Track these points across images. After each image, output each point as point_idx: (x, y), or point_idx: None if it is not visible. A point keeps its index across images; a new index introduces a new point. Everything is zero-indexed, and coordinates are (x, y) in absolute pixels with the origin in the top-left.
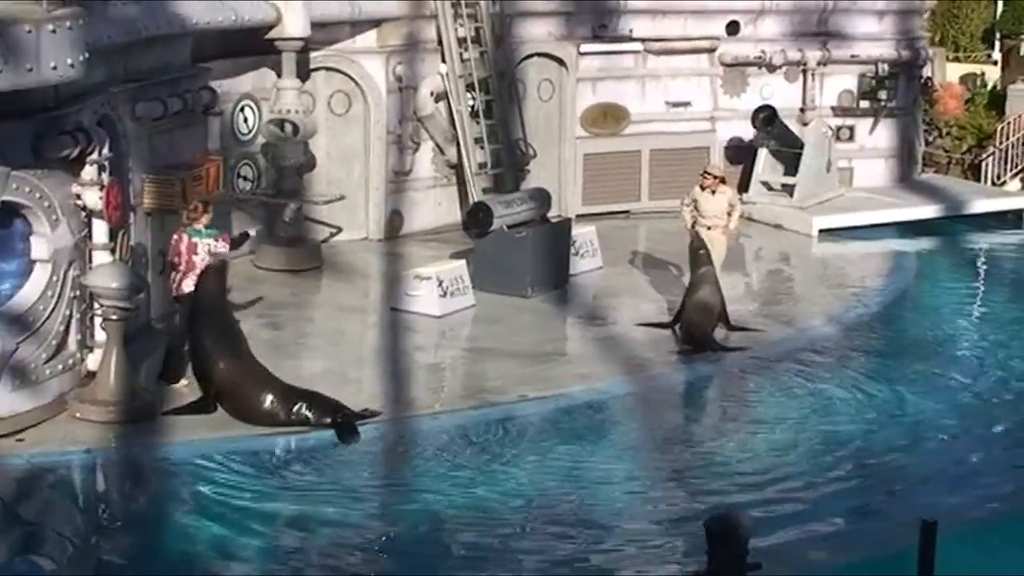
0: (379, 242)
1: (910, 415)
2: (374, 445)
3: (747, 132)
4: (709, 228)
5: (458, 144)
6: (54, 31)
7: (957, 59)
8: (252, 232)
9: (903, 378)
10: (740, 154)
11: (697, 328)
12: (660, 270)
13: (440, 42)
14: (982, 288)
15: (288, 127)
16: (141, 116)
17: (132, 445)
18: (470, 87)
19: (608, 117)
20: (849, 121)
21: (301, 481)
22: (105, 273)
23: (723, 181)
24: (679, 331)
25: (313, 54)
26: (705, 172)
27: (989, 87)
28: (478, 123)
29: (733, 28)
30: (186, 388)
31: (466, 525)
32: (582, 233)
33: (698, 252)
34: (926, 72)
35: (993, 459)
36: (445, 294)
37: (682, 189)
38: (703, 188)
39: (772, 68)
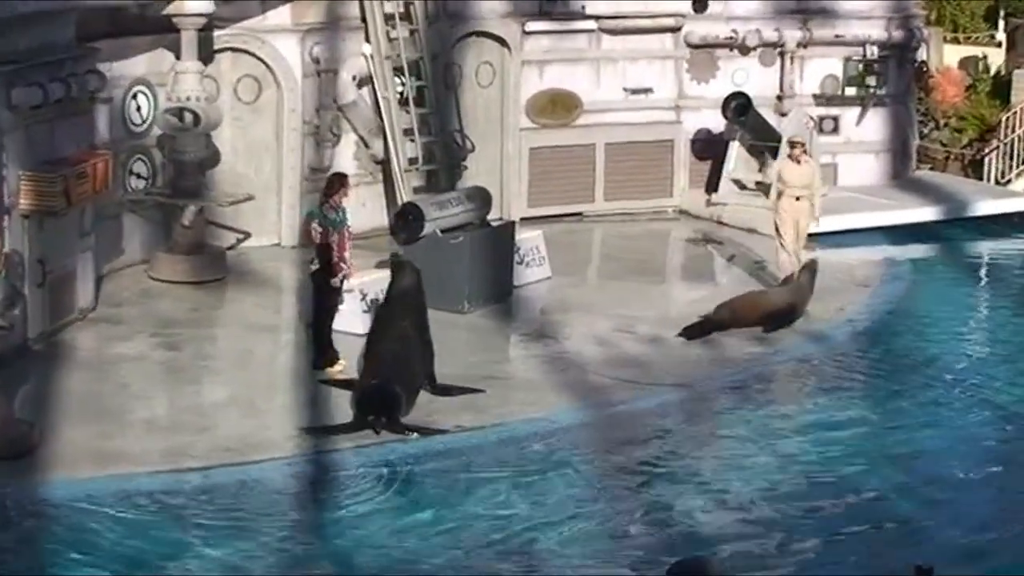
0: (293, 249)
1: (904, 448)
2: (285, 483)
3: (717, 123)
4: (798, 199)
5: (385, 136)
6: None
7: (956, 40)
8: None
9: (896, 405)
10: (709, 148)
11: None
12: (618, 281)
13: (364, 19)
14: (985, 301)
15: (188, 117)
16: (17, 104)
17: (4, 485)
18: (398, 71)
19: (557, 106)
20: (833, 111)
21: (201, 524)
22: None
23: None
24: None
25: (217, 33)
26: (792, 141)
27: (992, 72)
28: (408, 112)
29: (701, 4)
30: (341, 374)
31: None
32: (528, 239)
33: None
34: (921, 55)
35: (992, 498)
36: (370, 309)
37: (642, 188)
38: (790, 157)
39: (745, 50)
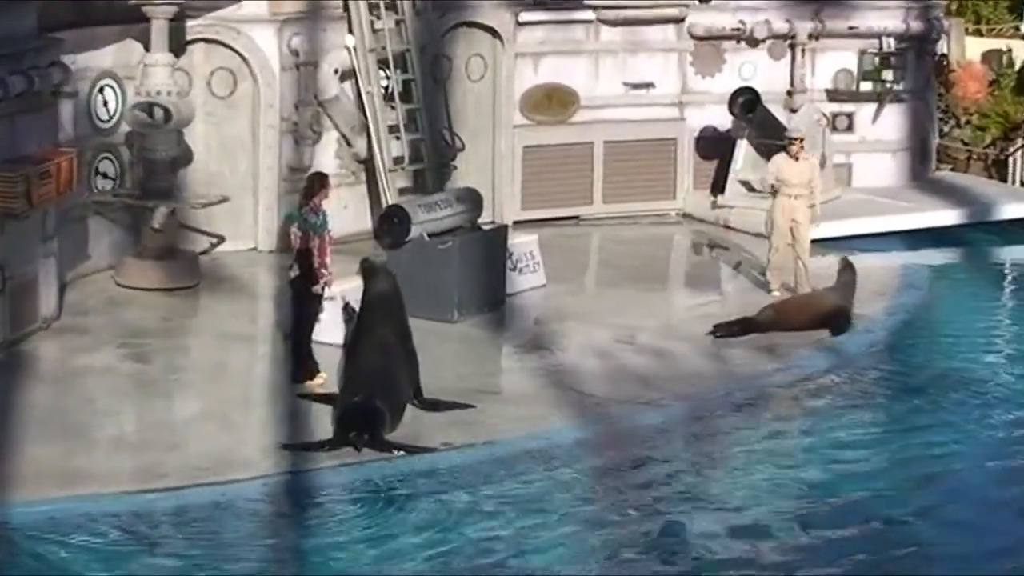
0: (271, 254)
1: (924, 467)
2: (262, 505)
3: (723, 120)
4: (795, 198)
5: (368, 134)
6: None
7: (979, 32)
8: None
9: (916, 422)
10: (714, 147)
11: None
12: (617, 289)
13: (346, 8)
14: (1010, 311)
15: (158, 112)
16: None
17: None
18: (383, 64)
19: (553, 101)
20: (848, 107)
21: (173, 549)
22: None
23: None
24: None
25: (189, 23)
26: (790, 137)
27: (1017, 66)
28: (393, 108)
29: None
30: (322, 388)
31: None
32: (521, 243)
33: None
34: (941, 48)
35: (1021, 520)
36: (350, 319)
37: (643, 189)
38: (789, 154)
39: (754, 42)
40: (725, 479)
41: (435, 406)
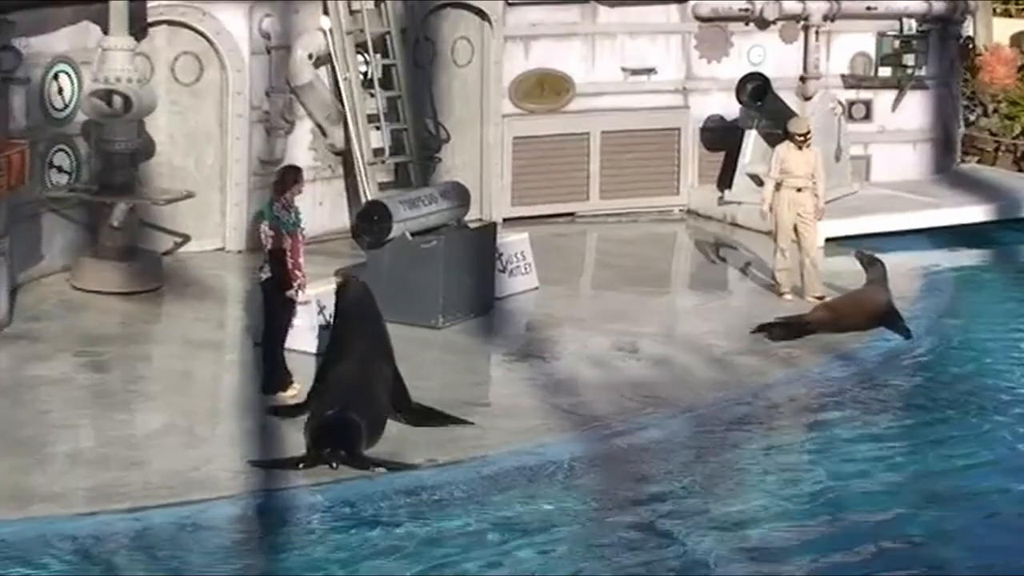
0: (239, 255)
1: (948, 487)
2: (231, 527)
3: (730, 109)
4: (800, 190)
5: (346, 124)
6: None
7: (1007, 13)
8: None
9: (938, 438)
10: (721, 138)
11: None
12: (615, 292)
13: None
14: None
15: (117, 101)
16: None
17: None
18: (362, 48)
19: (546, 89)
20: (865, 94)
21: (132, 575)
22: None
23: None
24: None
25: (151, 3)
26: (796, 133)
27: None
28: (372, 96)
29: None
30: (295, 400)
31: None
32: (512, 243)
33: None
34: (966, 30)
35: None
36: (328, 324)
37: (644, 184)
38: (794, 142)
39: (763, 24)
40: (732, 498)
41: (427, 419)
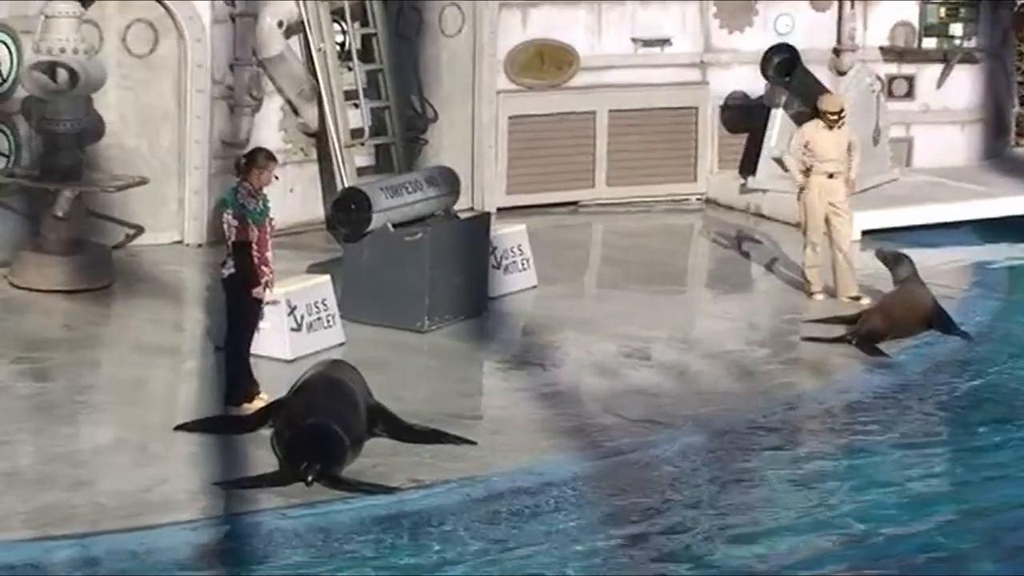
0: (199, 248)
1: (994, 508)
2: (189, 555)
3: (755, 85)
4: (831, 176)
5: (320, 101)
6: None
7: None
8: None
9: (985, 452)
10: (744, 118)
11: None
12: (623, 291)
13: None
14: None
15: (62, 74)
16: None
17: None
18: (338, 15)
19: (546, 62)
20: (907, 69)
21: None
22: None
23: None
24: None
25: None
26: (828, 112)
27: None
28: (350, 69)
29: None
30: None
31: None
32: (507, 235)
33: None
34: None
35: None
36: (300, 327)
37: (657, 170)
38: (825, 122)
39: None
40: (753, 522)
41: (423, 438)
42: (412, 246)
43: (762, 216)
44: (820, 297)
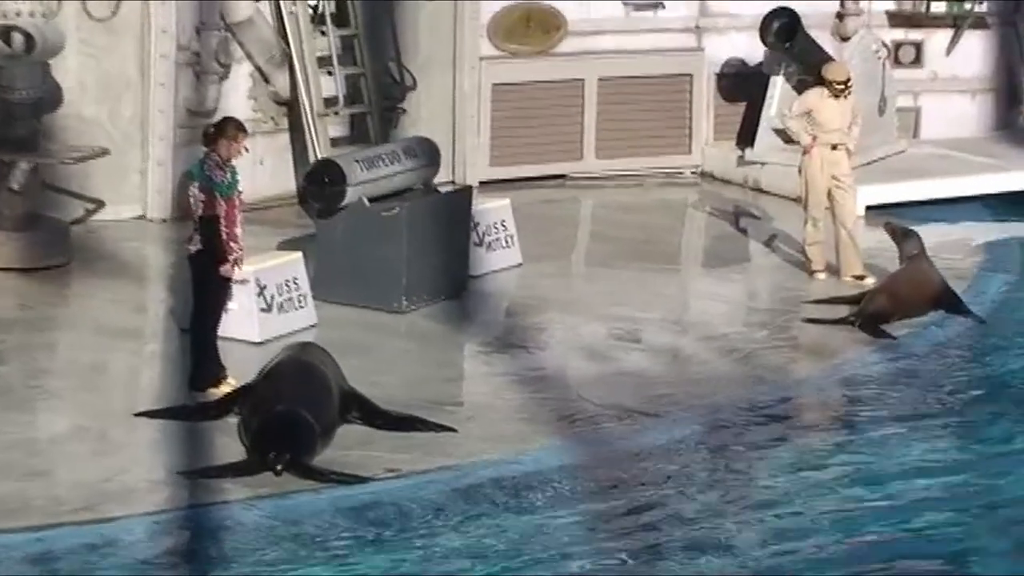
0: (164, 224)
1: (1006, 502)
2: (152, 548)
3: (753, 51)
4: (835, 148)
5: (291, 67)
6: None
7: None
8: None
9: (996, 442)
10: (741, 86)
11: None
12: (614, 269)
13: None
14: None
15: (17, 39)
16: None
17: None
18: None
19: (532, 26)
20: (915, 35)
21: None
22: None
23: None
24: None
25: None
26: (835, 81)
27: None
28: (324, 34)
29: None
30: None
31: None
32: (490, 210)
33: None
34: None
35: None
36: (270, 307)
37: (649, 141)
38: (830, 91)
39: None
40: (751, 515)
41: (400, 426)
42: (389, 222)
43: (760, 190)
44: (822, 276)
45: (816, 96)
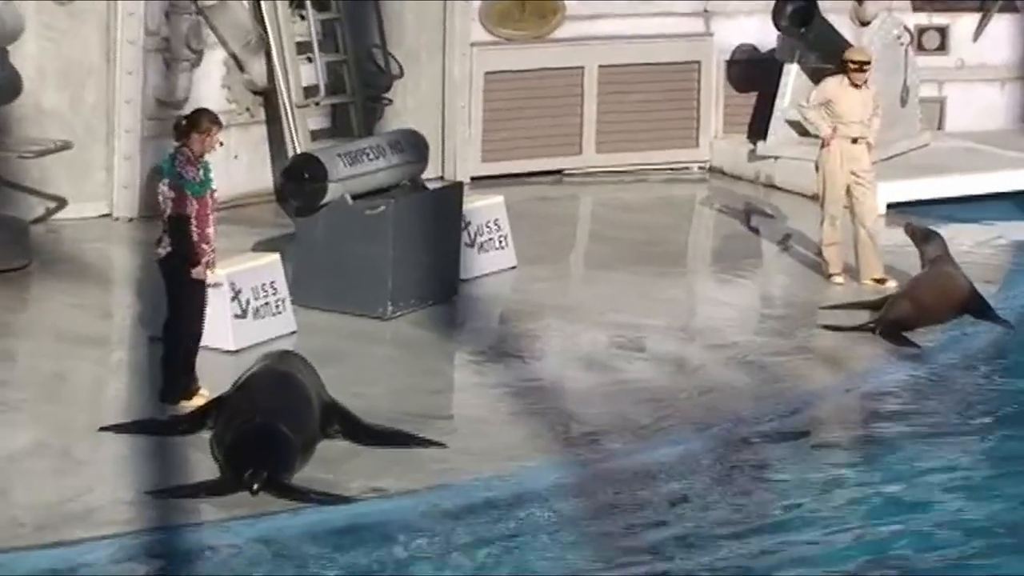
0: (130, 223)
1: None
2: (114, 572)
3: (765, 37)
4: (855, 141)
5: (268, 54)
6: None
7: None
8: None
9: None
10: (753, 75)
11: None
12: (615, 272)
13: None
14: None
15: None
16: None
17: None
18: None
19: (527, 10)
20: (939, 19)
21: None
22: None
23: None
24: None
25: None
26: (852, 61)
27: None
28: (303, 18)
29: None
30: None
31: None
32: (482, 209)
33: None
34: None
35: None
36: (245, 313)
37: (654, 134)
38: (851, 80)
39: None
40: (761, 539)
41: (385, 440)
42: (373, 221)
43: (773, 186)
44: (840, 279)
45: (835, 85)
